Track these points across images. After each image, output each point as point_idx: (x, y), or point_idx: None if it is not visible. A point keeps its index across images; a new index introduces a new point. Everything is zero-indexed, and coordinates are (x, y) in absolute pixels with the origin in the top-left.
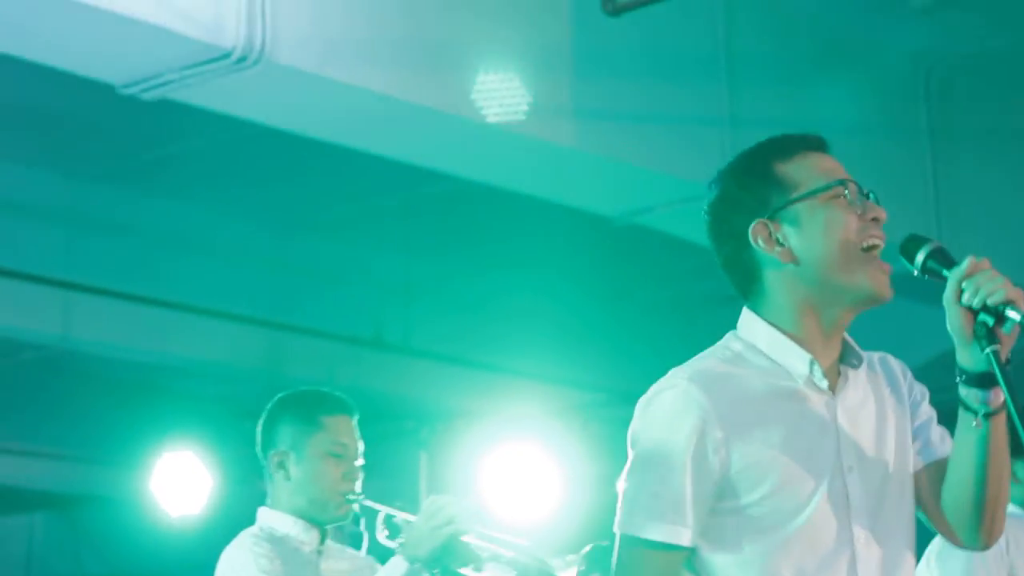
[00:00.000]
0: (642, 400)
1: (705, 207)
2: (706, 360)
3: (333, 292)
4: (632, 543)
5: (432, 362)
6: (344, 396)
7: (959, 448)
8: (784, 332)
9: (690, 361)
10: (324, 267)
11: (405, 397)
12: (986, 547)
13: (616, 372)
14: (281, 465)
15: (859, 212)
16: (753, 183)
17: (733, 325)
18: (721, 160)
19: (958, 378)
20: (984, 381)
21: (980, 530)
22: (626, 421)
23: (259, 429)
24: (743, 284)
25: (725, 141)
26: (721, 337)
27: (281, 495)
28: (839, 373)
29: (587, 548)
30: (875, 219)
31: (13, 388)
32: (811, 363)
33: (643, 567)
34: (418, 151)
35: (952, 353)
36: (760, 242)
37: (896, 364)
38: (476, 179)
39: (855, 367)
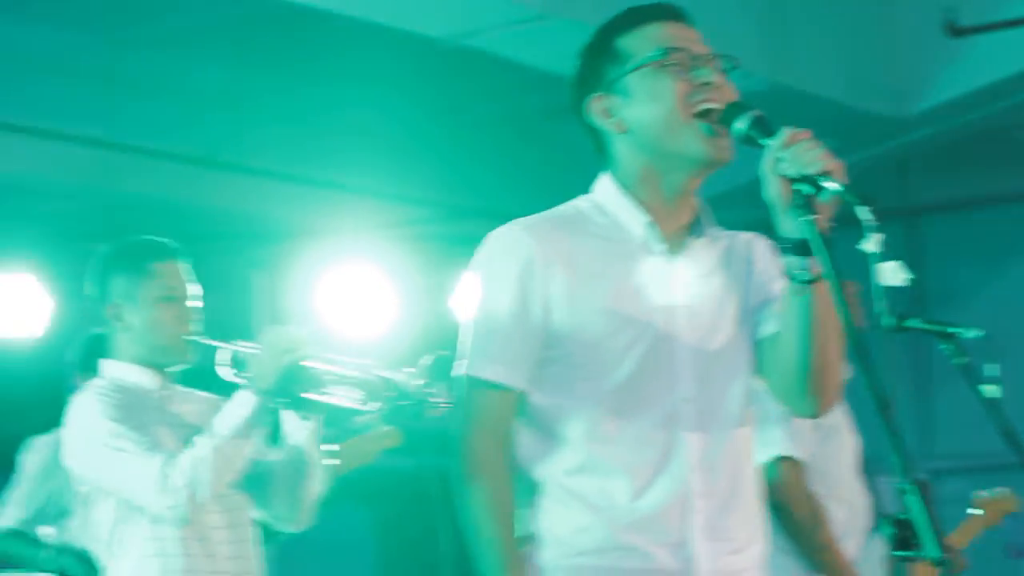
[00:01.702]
0: (482, 246)
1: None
2: (548, 213)
3: (163, 109)
4: (469, 383)
5: (265, 180)
6: (169, 241)
7: (785, 316)
8: (628, 195)
9: (537, 214)
10: (153, 83)
11: (238, 215)
12: (817, 415)
13: (447, 187)
14: (118, 316)
15: (689, 78)
16: (593, 59)
17: (560, 140)
18: None
19: (781, 246)
20: (803, 249)
21: (808, 397)
22: (456, 236)
23: (91, 284)
24: (598, 150)
25: None
26: (548, 150)
27: (122, 345)
28: (684, 241)
29: (428, 359)
30: (706, 84)
31: None
32: (649, 225)
33: (478, 405)
34: None
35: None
36: (597, 115)
37: (762, 244)
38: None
39: (703, 237)
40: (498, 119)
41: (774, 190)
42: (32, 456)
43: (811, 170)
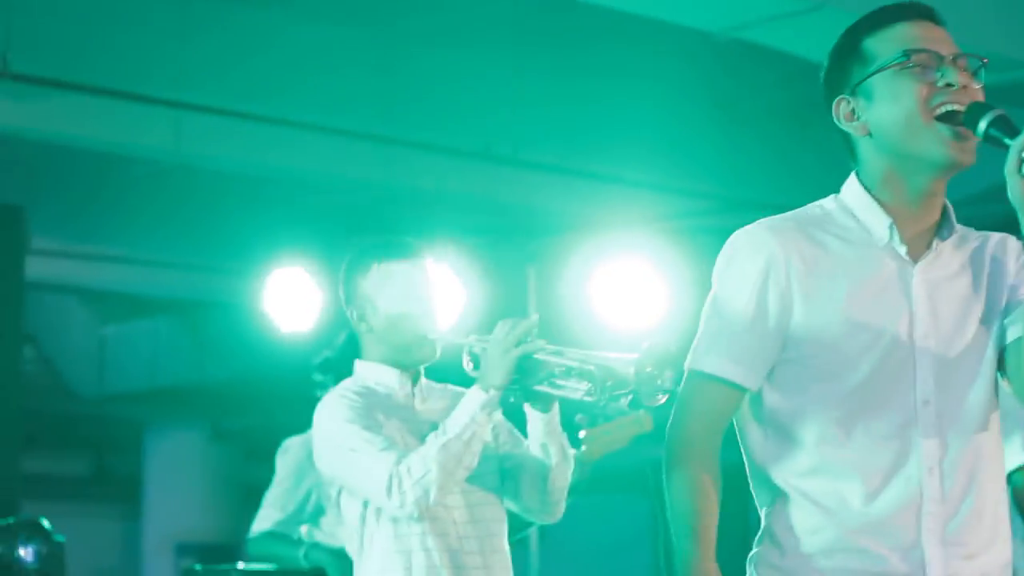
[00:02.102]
0: (725, 244)
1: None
2: (793, 213)
3: (440, 102)
4: (694, 376)
5: (541, 173)
6: (411, 239)
7: None
8: (873, 197)
9: (782, 214)
10: (430, 77)
11: (513, 209)
12: None
13: (721, 180)
14: (362, 318)
15: (931, 79)
16: (840, 61)
17: (833, 131)
18: None
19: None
20: None
21: None
22: (729, 229)
23: (338, 286)
24: (846, 151)
25: None
26: (821, 142)
27: (368, 346)
28: (930, 244)
29: (646, 344)
30: (949, 85)
31: (133, 202)
32: (891, 228)
33: (700, 399)
34: None
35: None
36: (842, 118)
37: (1014, 245)
38: None
39: (949, 239)
40: (772, 111)
41: (1016, 191)
42: (285, 457)
43: None
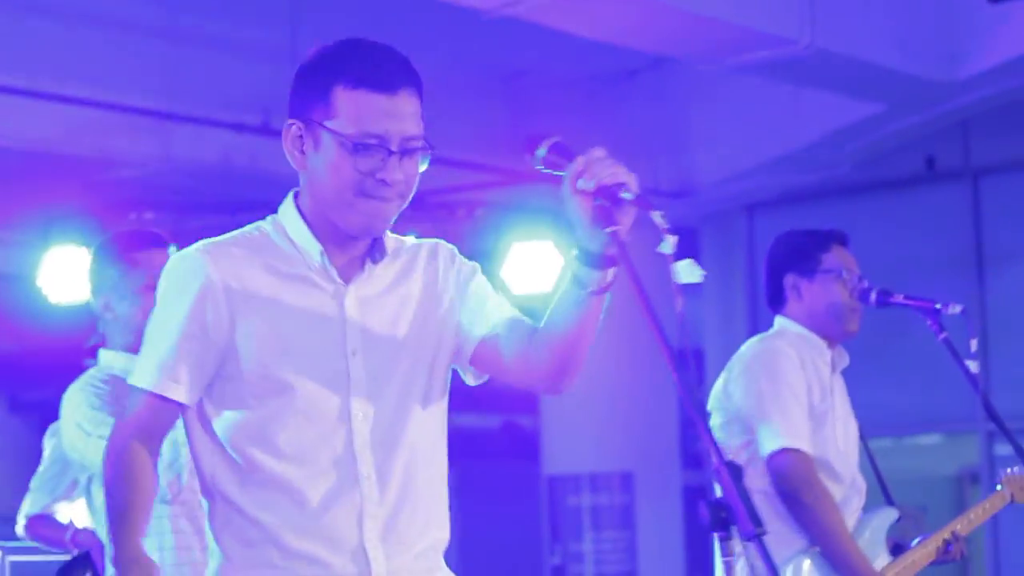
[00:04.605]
0: (166, 265)
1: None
2: (232, 236)
3: (220, 77)
4: (136, 391)
5: None
6: (155, 230)
7: (561, 313)
8: (307, 222)
9: (222, 236)
10: (211, 51)
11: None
12: (558, 393)
13: None
14: (108, 307)
15: (367, 169)
16: (308, 88)
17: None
18: None
19: (576, 256)
20: (599, 262)
21: (559, 380)
22: None
23: (87, 277)
24: (297, 170)
25: None
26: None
27: (113, 334)
28: (362, 265)
29: None
30: (383, 180)
31: None
32: (322, 254)
33: (139, 412)
34: None
35: (835, 133)
36: (289, 140)
37: (444, 252)
38: None
39: (379, 261)
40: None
41: (574, 206)
42: (53, 441)
43: (607, 183)
